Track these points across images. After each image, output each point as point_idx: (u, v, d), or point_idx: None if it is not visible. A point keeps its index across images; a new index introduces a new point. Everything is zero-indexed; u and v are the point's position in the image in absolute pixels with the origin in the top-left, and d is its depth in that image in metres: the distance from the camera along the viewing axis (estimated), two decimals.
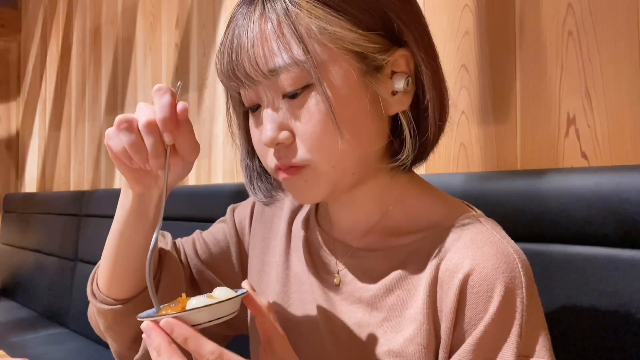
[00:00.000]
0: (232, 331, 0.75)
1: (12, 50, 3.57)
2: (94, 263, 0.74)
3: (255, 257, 0.73)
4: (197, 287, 0.74)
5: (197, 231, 0.78)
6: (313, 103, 0.53)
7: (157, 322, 0.49)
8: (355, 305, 0.61)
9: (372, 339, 0.58)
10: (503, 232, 0.58)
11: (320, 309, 0.63)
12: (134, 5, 2.23)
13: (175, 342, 0.48)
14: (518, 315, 0.52)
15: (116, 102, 2.38)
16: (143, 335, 0.49)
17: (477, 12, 0.99)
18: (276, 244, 0.71)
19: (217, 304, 0.49)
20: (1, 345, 1.81)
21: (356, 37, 0.52)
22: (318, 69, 0.52)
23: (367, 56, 0.54)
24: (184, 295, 0.53)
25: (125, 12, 2.32)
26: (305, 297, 0.65)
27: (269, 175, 0.64)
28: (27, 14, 3.49)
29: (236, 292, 0.53)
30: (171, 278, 0.68)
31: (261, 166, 0.63)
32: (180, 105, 0.54)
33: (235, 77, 0.55)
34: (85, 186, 2.66)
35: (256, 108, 0.58)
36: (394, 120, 0.58)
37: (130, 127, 0.54)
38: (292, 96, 0.54)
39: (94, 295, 0.68)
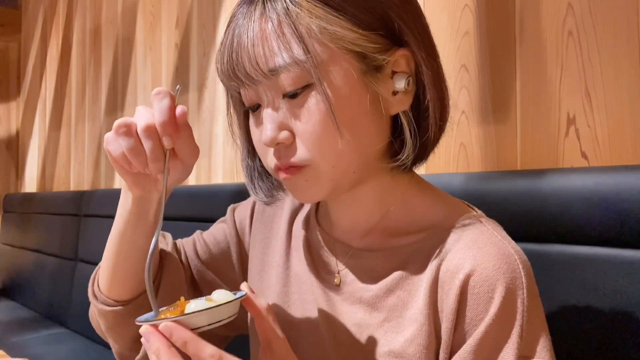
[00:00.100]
0: (233, 332, 0.75)
1: (12, 50, 3.57)
2: (94, 263, 0.74)
3: (256, 257, 0.73)
4: (197, 287, 0.74)
5: (198, 231, 0.78)
6: (313, 103, 0.53)
7: (156, 326, 0.49)
8: (355, 306, 0.60)
9: (373, 340, 0.58)
10: (504, 233, 0.58)
11: (320, 309, 0.63)
12: (134, 5, 2.23)
13: (174, 346, 0.48)
14: (519, 316, 0.52)
15: (116, 102, 2.38)
16: (142, 340, 0.49)
17: (477, 12, 0.99)
18: (276, 243, 0.71)
19: (216, 307, 0.49)
20: (1, 345, 1.81)
21: (356, 36, 0.52)
22: (318, 69, 0.52)
23: (367, 56, 0.53)
24: (182, 298, 0.52)
25: (125, 12, 2.32)
26: (305, 297, 0.65)
27: (270, 174, 0.64)
28: (27, 14, 3.49)
29: (235, 294, 0.52)
30: (172, 279, 0.68)
31: (262, 166, 0.63)
32: (179, 109, 0.54)
33: (236, 76, 0.55)
34: (85, 186, 2.66)
35: (256, 108, 0.58)
36: (395, 120, 0.58)
37: (129, 131, 0.53)
38: (292, 96, 0.54)
39: (95, 296, 0.68)
